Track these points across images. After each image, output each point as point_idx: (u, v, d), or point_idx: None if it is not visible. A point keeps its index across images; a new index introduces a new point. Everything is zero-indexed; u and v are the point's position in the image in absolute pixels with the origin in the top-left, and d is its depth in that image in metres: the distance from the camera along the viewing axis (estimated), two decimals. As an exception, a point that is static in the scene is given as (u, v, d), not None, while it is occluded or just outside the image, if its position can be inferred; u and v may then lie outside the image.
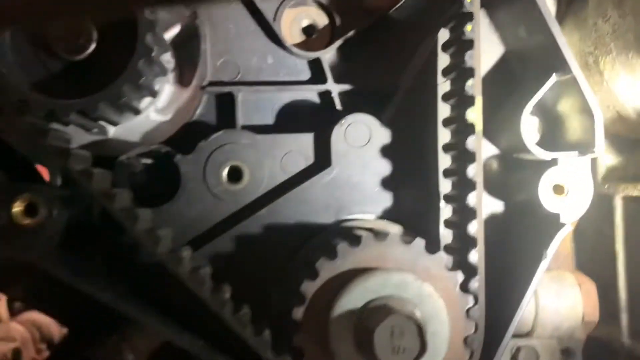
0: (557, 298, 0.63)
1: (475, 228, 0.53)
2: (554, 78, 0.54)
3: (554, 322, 0.63)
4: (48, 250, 0.48)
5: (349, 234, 0.53)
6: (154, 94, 0.54)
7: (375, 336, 0.47)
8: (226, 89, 0.61)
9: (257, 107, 0.63)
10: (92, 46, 0.49)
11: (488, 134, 0.59)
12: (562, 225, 0.54)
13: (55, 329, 1.94)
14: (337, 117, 0.59)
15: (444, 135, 0.54)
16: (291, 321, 0.51)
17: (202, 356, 0.50)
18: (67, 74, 0.50)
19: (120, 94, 0.49)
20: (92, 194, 0.47)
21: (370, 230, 0.54)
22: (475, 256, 0.53)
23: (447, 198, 0.54)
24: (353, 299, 0.50)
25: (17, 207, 0.49)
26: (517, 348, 0.65)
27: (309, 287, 0.51)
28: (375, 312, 0.48)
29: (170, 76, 0.56)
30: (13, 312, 1.69)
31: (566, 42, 0.53)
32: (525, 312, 0.61)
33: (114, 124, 0.54)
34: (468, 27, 0.52)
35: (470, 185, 0.52)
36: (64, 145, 0.48)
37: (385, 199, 0.59)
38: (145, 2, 0.36)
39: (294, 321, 0.51)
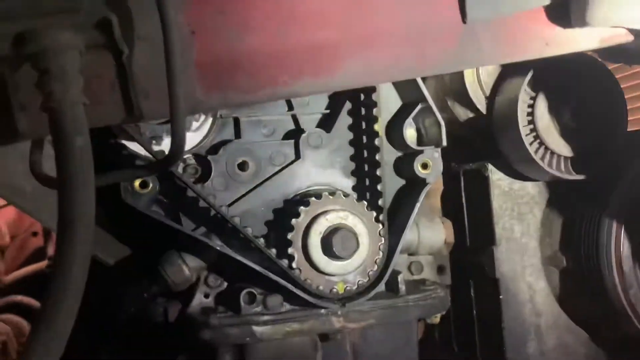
0: (430, 230, 1.11)
1: (382, 194, 1.01)
2: (420, 106, 1.02)
3: (430, 243, 1.11)
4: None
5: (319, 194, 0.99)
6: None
7: (334, 240, 0.93)
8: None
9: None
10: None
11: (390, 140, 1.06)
12: (427, 184, 1.02)
13: (27, 329, 2.23)
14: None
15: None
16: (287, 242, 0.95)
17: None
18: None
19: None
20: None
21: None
22: (382, 202, 1.01)
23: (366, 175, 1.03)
24: (320, 224, 0.95)
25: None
26: (410, 262, 1.12)
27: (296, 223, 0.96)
28: (333, 230, 0.95)
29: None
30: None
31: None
32: (411, 238, 1.09)
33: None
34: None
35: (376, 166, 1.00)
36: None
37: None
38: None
39: (289, 241, 0.95)
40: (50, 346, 0.48)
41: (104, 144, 0.89)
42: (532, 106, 0.96)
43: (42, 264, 2.25)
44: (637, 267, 1.01)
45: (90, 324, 1.34)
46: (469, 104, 1.09)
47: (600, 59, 1.05)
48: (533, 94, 0.97)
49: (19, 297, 2.14)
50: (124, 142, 0.89)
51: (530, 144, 0.97)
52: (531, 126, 0.97)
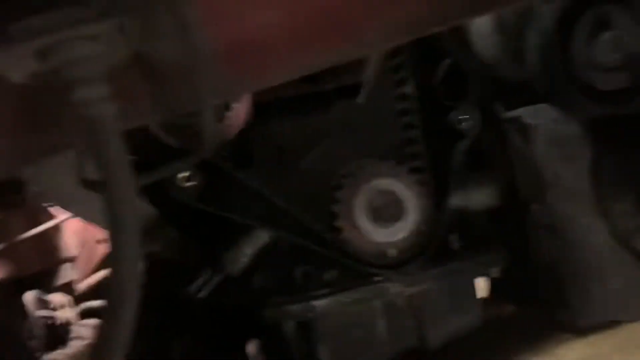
0: (478, 184, 1.09)
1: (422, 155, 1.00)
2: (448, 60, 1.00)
3: (479, 198, 1.09)
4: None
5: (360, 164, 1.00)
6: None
7: (379, 208, 0.94)
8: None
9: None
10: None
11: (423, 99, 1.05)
12: (466, 138, 1.01)
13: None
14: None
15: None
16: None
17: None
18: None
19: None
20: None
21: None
22: (423, 162, 1.01)
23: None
24: (364, 194, 0.96)
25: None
26: (462, 219, 1.11)
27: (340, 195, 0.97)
28: (378, 197, 0.95)
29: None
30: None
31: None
32: (459, 195, 1.07)
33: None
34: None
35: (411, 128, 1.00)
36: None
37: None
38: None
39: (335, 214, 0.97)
40: (114, 339, 0.50)
41: (147, 142, 0.92)
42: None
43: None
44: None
45: (163, 317, 1.40)
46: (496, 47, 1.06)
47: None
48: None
49: (95, 303, 2.26)
50: (165, 138, 0.91)
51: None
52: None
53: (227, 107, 0.95)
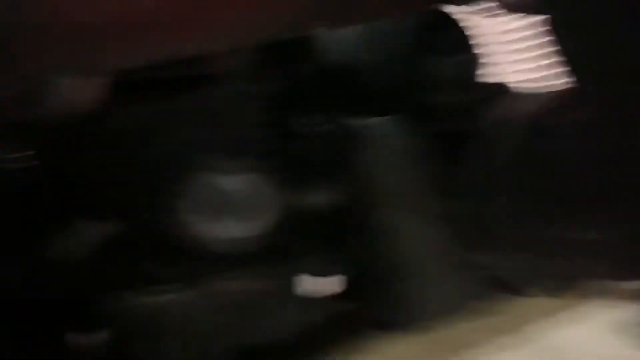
0: (315, 190, 1.13)
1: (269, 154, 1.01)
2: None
3: (316, 201, 1.13)
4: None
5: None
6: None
7: (225, 203, 0.94)
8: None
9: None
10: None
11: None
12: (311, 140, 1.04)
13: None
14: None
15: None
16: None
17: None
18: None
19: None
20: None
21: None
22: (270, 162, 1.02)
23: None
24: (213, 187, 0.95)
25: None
26: (303, 219, 1.14)
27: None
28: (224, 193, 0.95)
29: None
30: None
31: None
32: (300, 197, 1.11)
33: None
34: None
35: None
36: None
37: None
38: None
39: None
40: None
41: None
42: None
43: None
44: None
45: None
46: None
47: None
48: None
49: None
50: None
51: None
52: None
53: (70, 85, 0.89)
